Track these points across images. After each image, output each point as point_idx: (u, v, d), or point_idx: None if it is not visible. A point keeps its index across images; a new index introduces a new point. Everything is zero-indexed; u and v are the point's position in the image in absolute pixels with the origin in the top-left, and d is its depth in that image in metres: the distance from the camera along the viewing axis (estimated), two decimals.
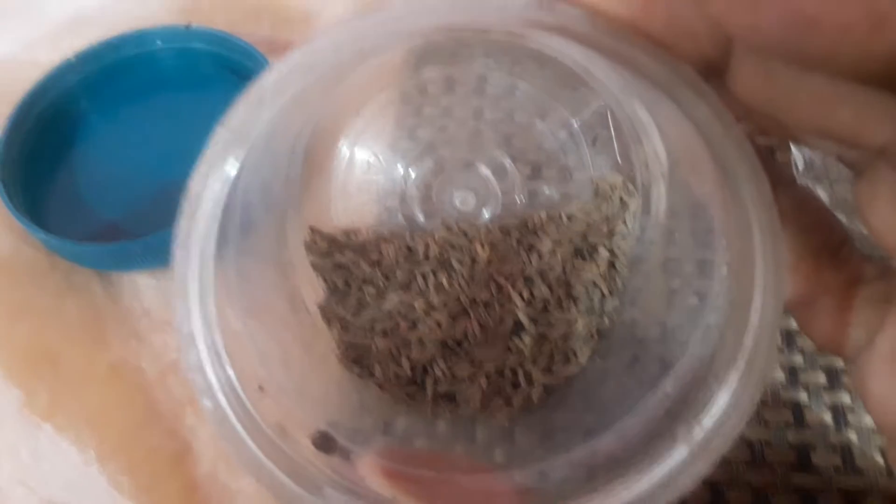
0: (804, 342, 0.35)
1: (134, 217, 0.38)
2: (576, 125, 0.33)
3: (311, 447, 0.22)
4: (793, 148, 0.36)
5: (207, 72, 0.42)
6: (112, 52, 0.42)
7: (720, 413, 0.17)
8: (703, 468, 0.18)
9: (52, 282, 0.36)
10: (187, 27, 0.42)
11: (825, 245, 0.18)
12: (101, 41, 0.41)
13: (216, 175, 0.17)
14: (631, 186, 0.31)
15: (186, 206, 0.17)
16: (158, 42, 0.42)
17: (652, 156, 0.28)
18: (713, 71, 0.15)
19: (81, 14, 0.46)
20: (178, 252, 0.18)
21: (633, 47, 0.14)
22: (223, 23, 0.42)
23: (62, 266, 0.37)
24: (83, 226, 0.37)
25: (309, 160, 0.31)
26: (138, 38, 0.42)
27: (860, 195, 0.16)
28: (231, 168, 0.17)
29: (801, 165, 0.35)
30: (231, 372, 0.19)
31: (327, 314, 0.31)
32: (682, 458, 0.18)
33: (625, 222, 0.31)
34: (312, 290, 0.31)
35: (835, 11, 0.11)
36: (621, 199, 0.31)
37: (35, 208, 0.37)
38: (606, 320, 0.30)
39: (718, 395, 0.17)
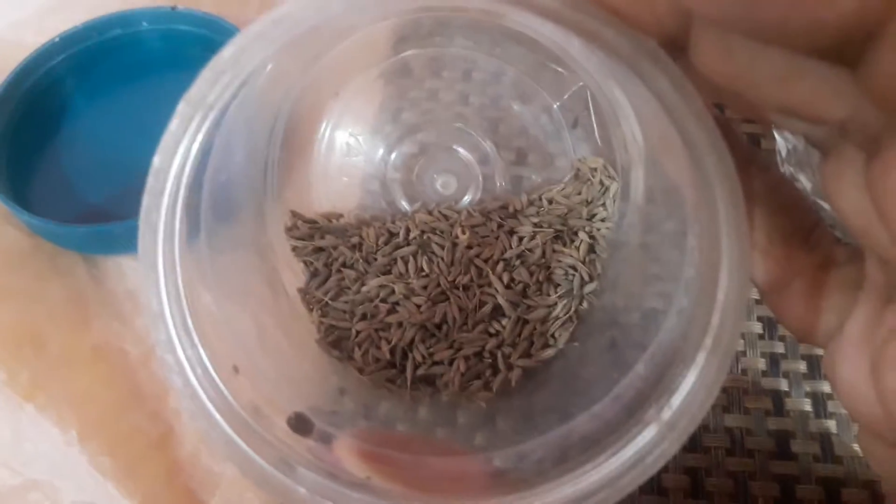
0: (785, 331, 0.35)
1: (119, 200, 0.38)
2: (556, 108, 0.33)
3: (287, 429, 0.22)
4: (776, 135, 0.36)
5: (193, 53, 0.42)
6: (97, 34, 0.42)
7: (688, 393, 0.17)
8: (671, 448, 0.18)
9: (37, 264, 0.36)
10: (173, 9, 0.42)
11: (797, 228, 0.18)
12: (87, 22, 0.41)
13: (178, 150, 0.17)
14: (611, 169, 0.31)
15: (150, 182, 0.17)
16: (144, 23, 0.42)
17: (630, 138, 0.28)
18: (676, 47, 0.15)
19: None
20: (143, 228, 0.18)
21: (596, 20, 0.14)
22: (210, 5, 0.42)
23: (47, 248, 0.37)
24: (68, 208, 0.37)
25: (288, 143, 0.31)
26: (124, 19, 0.42)
27: (826, 176, 0.15)
28: (194, 143, 0.17)
29: (784, 152, 0.35)
30: (202, 351, 0.19)
31: (307, 298, 0.31)
32: (651, 439, 0.18)
33: (604, 206, 0.31)
34: (293, 273, 0.31)
35: None
36: (601, 182, 0.31)
37: (19, 190, 0.37)
38: (585, 304, 0.30)
39: (687, 376, 0.17)
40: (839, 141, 0.14)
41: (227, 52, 0.16)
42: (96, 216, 0.37)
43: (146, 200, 0.18)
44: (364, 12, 0.17)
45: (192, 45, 0.42)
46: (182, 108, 0.17)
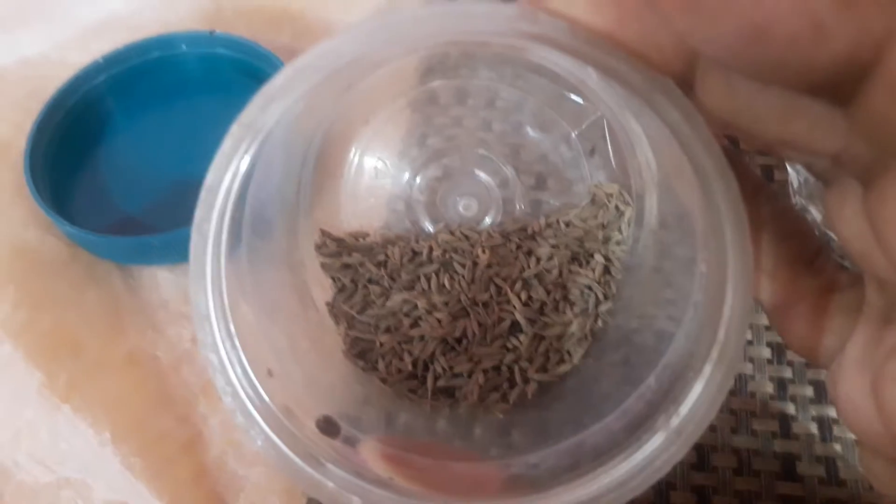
0: (793, 356, 0.36)
1: (155, 213, 0.39)
2: (574, 136, 0.35)
3: (315, 430, 0.23)
4: (788, 168, 0.37)
5: (229, 77, 0.44)
6: (138, 55, 0.44)
7: (695, 402, 0.18)
8: (678, 453, 0.19)
9: (75, 273, 0.38)
10: (211, 33, 0.43)
11: (802, 253, 0.19)
12: (129, 44, 0.43)
13: (229, 168, 0.19)
14: (626, 195, 0.32)
15: (203, 196, 0.19)
16: (183, 46, 0.44)
17: (644, 165, 0.29)
18: (683, 84, 0.16)
19: (111, 17, 0.48)
20: (194, 236, 0.19)
21: (611, 57, 0.15)
22: (245, 31, 0.44)
23: (85, 258, 0.38)
24: (106, 220, 0.39)
25: (320, 166, 0.32)
26: (164, 42, 0.44)
27: (829, 205, 0.16)
28: (242, 162, 0.19)
29: (795, 184, 0.36)
30: (242, 353, 0.20)
31: (335, 311, 0.32)
32: (660, 445, 0.19)
33: (619, 230, 0.32)
34: (321, 288, 0.33)
35: (782, 23, 0.12)
36: (617, 207, 0.32)
37: (61, 201, 0.39)
38: (600, 322, 0.31)
39: (694, 386, 0.18)
40: (839, 172, 0.15)
41: (278, 80, 0.18)
42: (132, 228, 0.39)
43: (199, 212, 0.19)
44: (399, 46, 0.19)
45: (228, 68, 0.44)
46: (235, 129, 0.19)
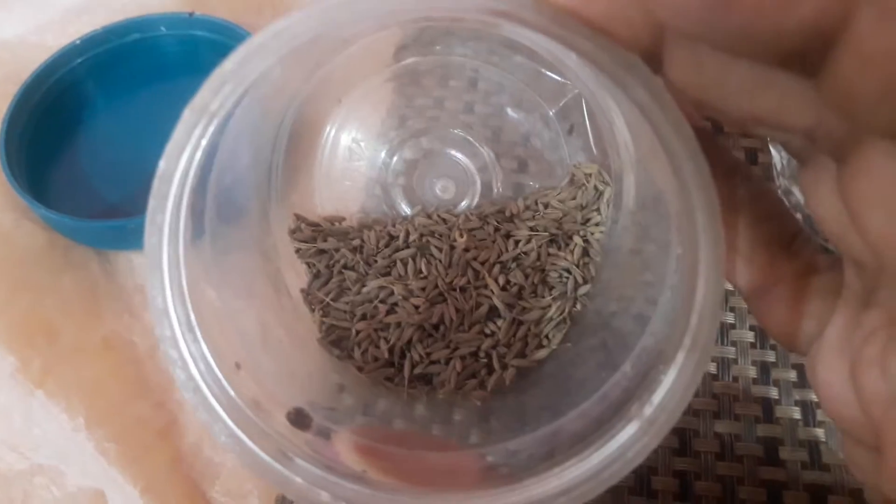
0: None
1: (132, 197, 0.39)
2: (552, 114, 0.34)
3: (286, 423, 0.22)
4: (772, 150, 0.37)
5: (208, 59, 0.43)
6: (117, 37, 0.43)
7: (668, 391, 0.18)
8: (651, 443, 0.18)
9: (52, 257, 0.37)
10: (190, 15, 0.43)
11: (779, 235, 0.19)
12: (107, 26, 0.43)
13: (183, 156, 0.18)
14: (605, 175, 0.32)
15: (156, 186, 0.18)
16: (162, 28, 0.44)
17: (622, 144, 0.29)
18: (652, 60, 0.15)
19: (91, 0, 0.47)
20: (148, 229, 0.18)
21: (577, 34, 0.15)
22: (225, 12, 0.43)
23: (62, 243, 0.38)
24: (83, 204, 0.38)
25: (293, 148, 0.32)
26: (143, 24, 0.43)
27: (805, 184, 0.16)
28: (197, 149, 0.18)
29: (779, 166, 0.36)
30: (205, 347, 0.19)
31: (309, 298, 0.32)
32: (633, 434, 0.19)
33: (598, 211, 0.32)
34: (296, 274, 0.32)
35: None
36: (595, 187, 0.32)
37: (37, 185, 0.38)
38: (579, 306, 0.31)
39: (668, 374, 0.18)
40: (814, 151, 0.15)
41: (228, 63, 0.17)
42: (110, 213, 0.38)
43: (151, 203, 0.18)
44: (362, 23, 0.18)
45: (208, 50, 0.43)
46: (186, 115, 0.18)
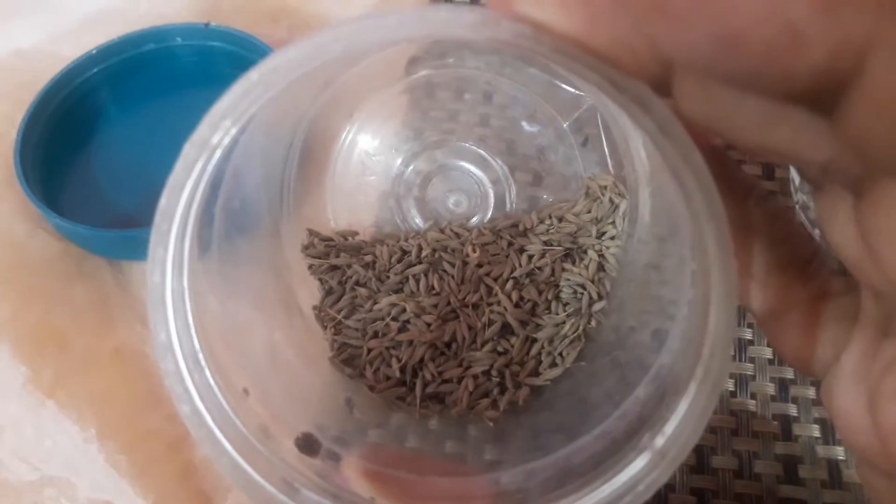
0: None
1: (146, 208, 0.37)
2: (566, 126, 0.34)
3: (294, 450, 0.22)
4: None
5: (224, 70, 0.43)
6: (132, 47, 0.43)
7: (679, 422, 0.18)
8: (661, 478, 0.18)
9: (64, 267, 0.37)
10: (206, 26, 0.43)
11: (794, 258, 0.18)
12: (122, 36, 0.43)
13: (184, 191, 0.17)
14: (621, 187, 0.32)
15: (157, 221, 0.18)
16: (178, 39, 0.43)
17: (637, 157, 0.28)
18: (661, 88, 0.15)
19: (106, 10, 0.47)
20: (150, 265, 0.18)
21: (581, 63, 0.14)
22: (241, 23, 0.43)
23: (75, 252, 0.38)
24: (97, 214, 0.38)
25: (305, 164, 0.31)
26: (158, 34, 0.43)
27: (821, 211, 0.15)
28: (200, 182, 0.17)
29: (797, 181, 0.35)
30: (210, 377, 0.19)
31: (321, 315, 0.31)
32: (643, 467, 0.18)
33: (614, 224, 0.31)
34: (308, 292, 0.32)
35: (757, 30, 0.11)
36: (611, 199, 0.32)
37: (51, 195, 0.38)
38: (594, 322, 0.30)
39: (680, 404, 0.18)
40: (830, 179, 0.15)
41: (225, 100, 0.16)
42: (123, 222, 0.38)
43: (153, 237, 0.18)
44: (360, 51, 0.18)
45: (223, 60, 0.43)
46: (187, 150, 0.17)
